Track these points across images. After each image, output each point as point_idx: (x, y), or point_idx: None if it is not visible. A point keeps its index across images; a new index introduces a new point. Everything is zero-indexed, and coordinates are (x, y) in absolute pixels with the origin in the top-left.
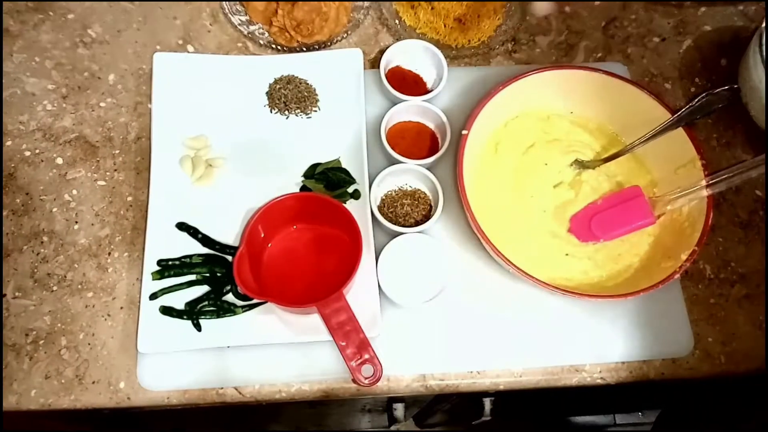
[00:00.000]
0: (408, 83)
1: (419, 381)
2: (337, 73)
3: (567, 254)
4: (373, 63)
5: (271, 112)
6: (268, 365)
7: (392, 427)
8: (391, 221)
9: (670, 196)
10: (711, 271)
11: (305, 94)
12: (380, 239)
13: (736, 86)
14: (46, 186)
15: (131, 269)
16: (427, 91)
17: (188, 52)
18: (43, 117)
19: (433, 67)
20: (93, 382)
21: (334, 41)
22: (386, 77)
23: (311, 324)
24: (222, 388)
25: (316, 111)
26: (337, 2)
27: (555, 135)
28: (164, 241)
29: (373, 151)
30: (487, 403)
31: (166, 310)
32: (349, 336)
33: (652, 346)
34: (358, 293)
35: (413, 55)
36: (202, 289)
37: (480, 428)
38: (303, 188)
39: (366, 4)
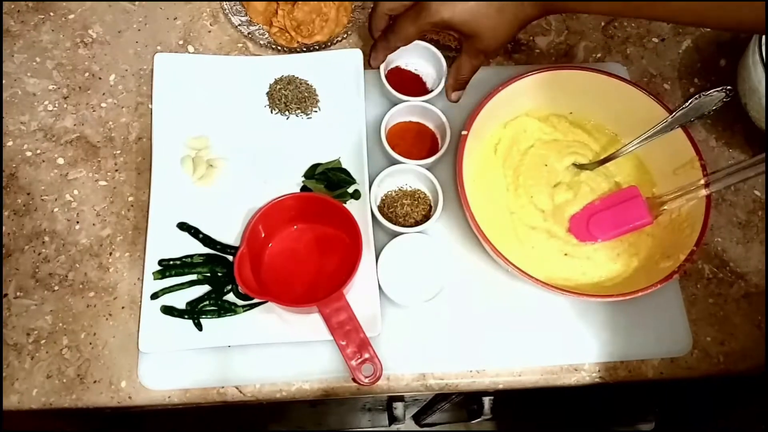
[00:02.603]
0: (408, 83)
1: (419, 380)
2: (337, 73)
3: (566, 254)
4: None
5: (271, 112)
6: (268, 364)
7: (392, 426)
8: (391, 221)
9: (668, 196)
10: (710, 271)
11: (305, 94)
12: (380, 239)
13: (729, 87)
14: (47, 186)
15: (132, 269)
16: (427, 92)
17: (189, 52)
18: (44, 117)
19: (433, 68)
20: (94, 382)
21: (335, 41)
22: (386, 78)
23: (312, 323)
24: (223, 387)
25: (316, 111)
26: (337, 2)
27: (554, 135)
28: (165, 241)
29: (373, 151)
30: (487, 402)
31: (168, 310)
32: (349, 335)
33: (651, 345)
34: (358, 293)
35: (413, 55)
36: (203, 289)
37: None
38: (303, 188)
39: (366, 4)
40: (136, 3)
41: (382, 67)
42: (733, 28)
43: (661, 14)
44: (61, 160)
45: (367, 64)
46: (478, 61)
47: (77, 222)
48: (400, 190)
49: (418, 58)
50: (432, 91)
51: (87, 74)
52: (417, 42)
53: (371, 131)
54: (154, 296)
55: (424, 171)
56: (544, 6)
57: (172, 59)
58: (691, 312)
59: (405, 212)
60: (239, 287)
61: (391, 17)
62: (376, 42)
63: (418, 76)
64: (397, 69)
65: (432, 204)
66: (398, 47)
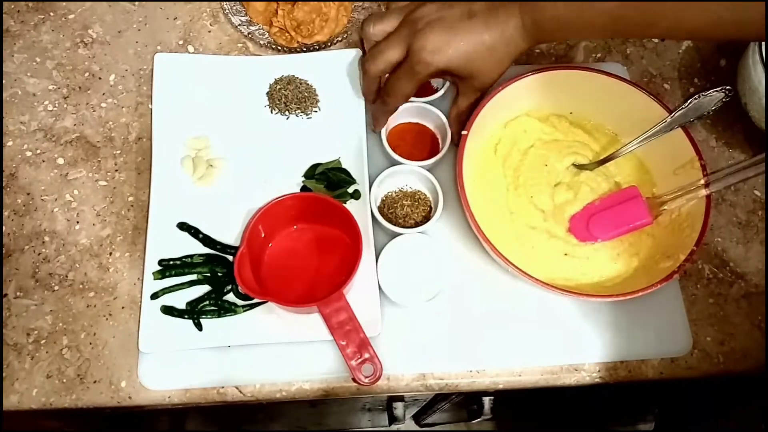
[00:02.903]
0: None
1: (419, 380)
2: (337, 73)
3: (566, 254)
4: None
5: (271, 112)
6: (268, 364)
7: (392, 426)
8: (391, 222)
9: (668, 196)
10: (710, 271)
11: (305, 94)
12: (380, 239)
13: (728, 87)
14: (47, 186)
15: (132, 269)
16: (432, 92)
17: (189, 52)
18: (44, 117)
19: None
20: (94, 382)
21: (335, 42)
22: None
23: (312, 323)
24: (223, 387)
25: (316, 111)
26: (337, 3)
27: (554, 135)
28: (165, 241)
29: (373, 151)
30: (487, 402)
31: (167, 310)
32: (349, 335)
33: (651, 345)
34: (359, 293)
35: None
36: (203, 289)
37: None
38: (303, 188)
39: (366, 4)
40: (136, 3)
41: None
42: (725, 40)
43: (652, 35)
44: (61, 160)
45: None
46: (476, 97)
47: (77, 222)
48: (400, 191)
49: None
50: (438, 90)
51: (87, 74)
52: None
53: (371, 131)
54: (154, 296)
55: (424, 172)
56: (533, 38)
57: (172, 59)
58: (691, 312)
59: (405, 213)
60: (239, 287)
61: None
62: (374, 107)
63: None
64: None
65: (432, 205)
66: (398, 107)
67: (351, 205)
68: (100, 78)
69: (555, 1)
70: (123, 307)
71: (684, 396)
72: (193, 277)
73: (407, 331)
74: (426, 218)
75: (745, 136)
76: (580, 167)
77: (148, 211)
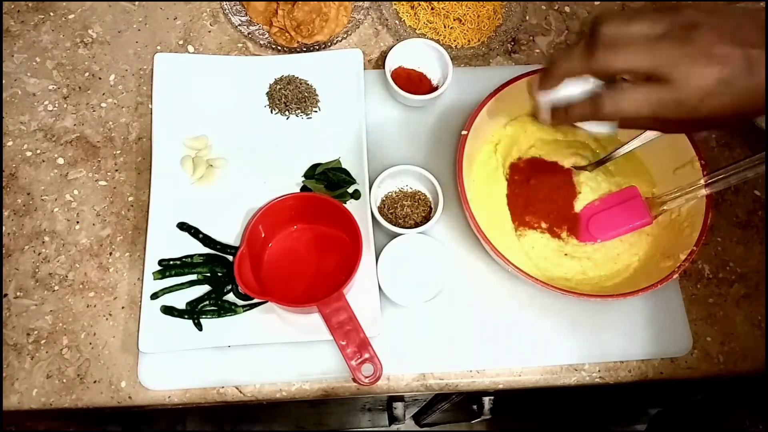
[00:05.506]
0: (413, 82)
1: (419, 380)
2: (337, 73)
3: (566, 254)
4: (374, 63)
5: (271, 112)
6: (268, 364)
7: (392, 426)
8: (391, 222)
9: (667, 196)
10: (710, 270)
11: (305, 94)
12: (380, 239)
13: None
14: (47, 186)
15: (132, 269)
16: (432, 89)
17: (189, 52)
18: (44, 117)
19: (438, 66)
20: (94, 382)
21: (334, 42)
22: (391, 77)
23: (312, 323)
24: (223, 387)
25: (316, 111)
26: (337, 3)
27: (554, 135)
28: (165, 241)
29: (373, 151)
30: (487, 402)
31: (167, 310)
32: (349, 335)
33: (651, 345)
34: (359, 293)
35: (417, 54)
36: (203, 289)
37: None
38: (303, 188)
39: (366, 4)
40: (136, 3)
41: (387, 67)
42: None
43: None
44: (61, 160)
45: (367, 64)
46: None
47: (77, 222)
48: (400, 191)
49: (422, 56)
50: (438, 88)
51: (87, 74)
52: (420, 40)
53: (371, 131)
54: (154, 296)
55: (424, 172)
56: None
57: (172, 59)
58: (691, 312)
59: (405, 213)
60: (239, 287)
61: None
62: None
63: (422, 74)
64: (401, 69)
65: (432, 205)
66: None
67: (351, 205)
68: (100, 78)
69: None
70: (123, 307)
71: (684, 396)
72: (193, 277)
73: (407, 331)
74: (426, 218)
75: (745, 136)
76: (579, 168)
77: (148, 211)
